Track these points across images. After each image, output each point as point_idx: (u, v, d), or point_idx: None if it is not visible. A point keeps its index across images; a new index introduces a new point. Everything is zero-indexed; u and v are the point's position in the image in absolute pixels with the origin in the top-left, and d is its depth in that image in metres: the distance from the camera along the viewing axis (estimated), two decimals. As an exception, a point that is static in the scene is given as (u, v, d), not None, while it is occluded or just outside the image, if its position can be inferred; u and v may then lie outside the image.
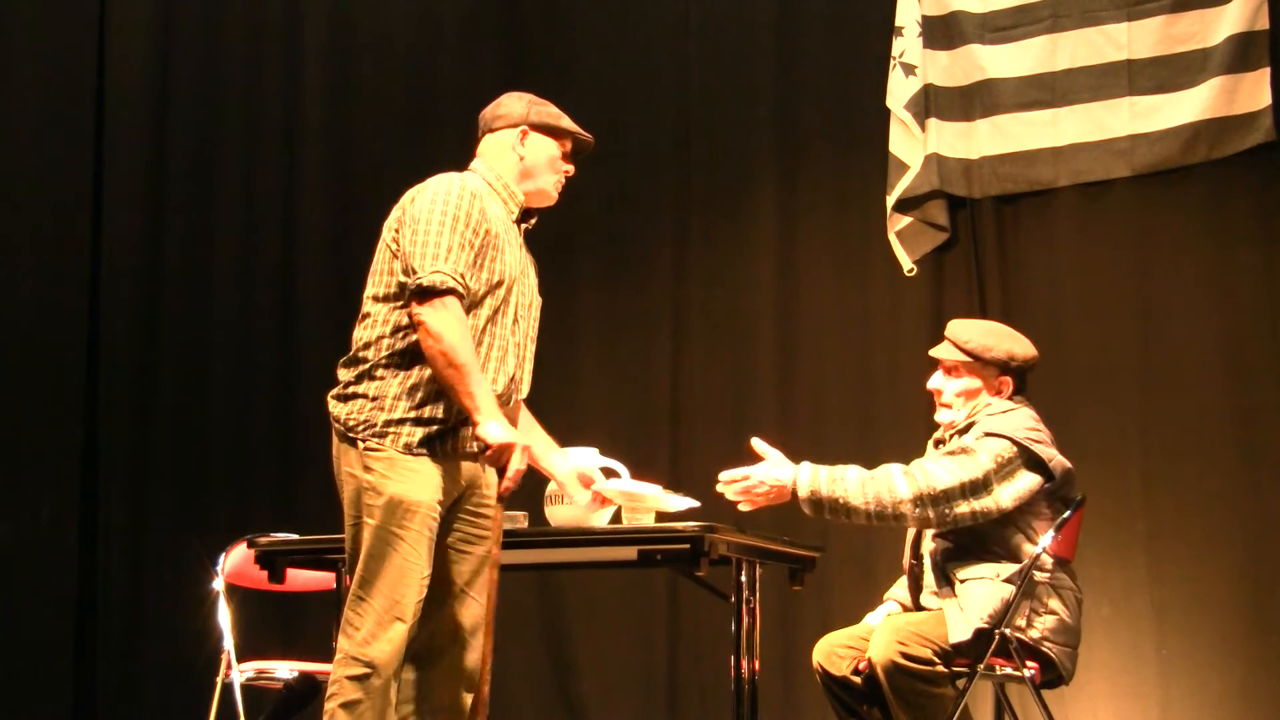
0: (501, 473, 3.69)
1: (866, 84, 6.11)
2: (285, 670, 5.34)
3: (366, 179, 7.01)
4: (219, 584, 5.41)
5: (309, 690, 5.24)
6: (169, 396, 7.18)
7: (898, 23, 6.01)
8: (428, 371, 3.71)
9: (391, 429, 3.71)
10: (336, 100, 7.13)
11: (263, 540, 4.68)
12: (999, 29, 5.88)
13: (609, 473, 4.25)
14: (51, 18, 7.20)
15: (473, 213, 3.75)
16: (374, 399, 3.73)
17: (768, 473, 4.22)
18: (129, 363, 7.20)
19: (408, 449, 3.70)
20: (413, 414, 3.71)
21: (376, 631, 3.64)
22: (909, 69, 5.96)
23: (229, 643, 5.32)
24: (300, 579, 5.36)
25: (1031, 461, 4.22)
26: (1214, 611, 5.43)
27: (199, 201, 7.25)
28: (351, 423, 3.74)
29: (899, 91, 5.98)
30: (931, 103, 5.93)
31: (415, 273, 3.67)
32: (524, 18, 6.89)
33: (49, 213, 7.18)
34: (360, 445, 3.71)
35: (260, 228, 7.18)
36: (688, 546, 4.04)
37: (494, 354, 3.79)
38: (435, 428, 3.72)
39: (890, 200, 5.97)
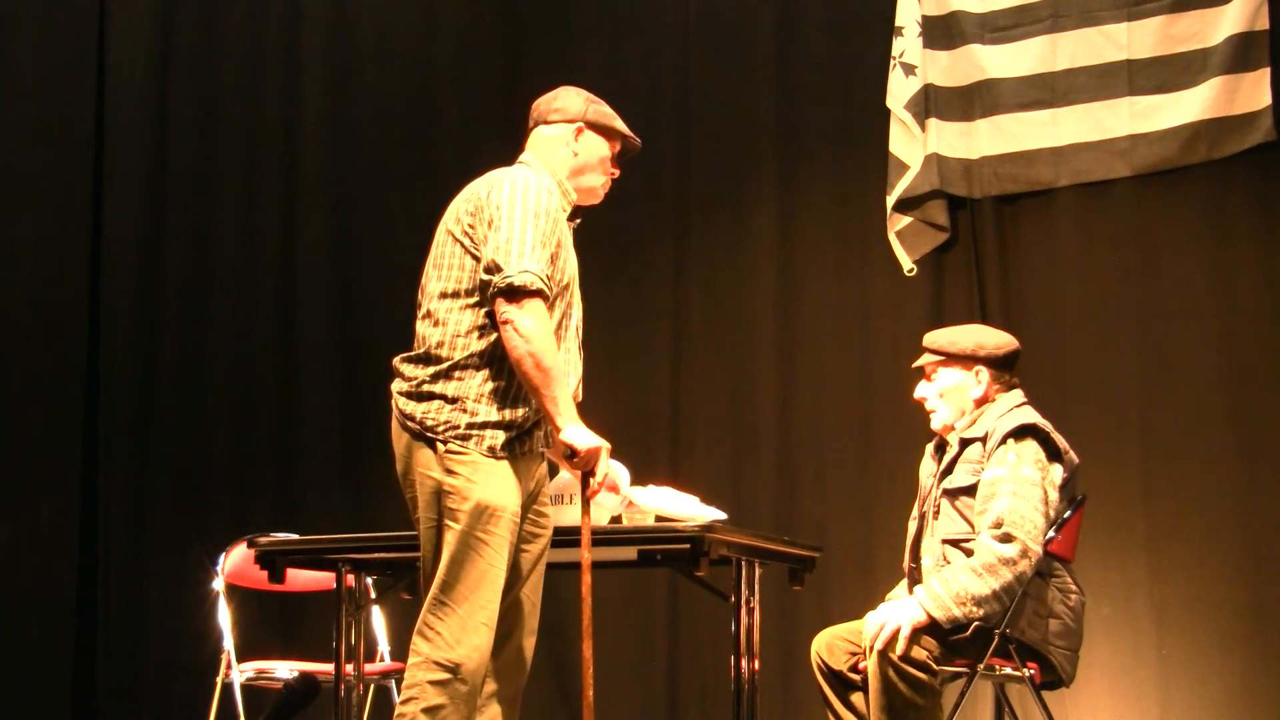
0: (588, 476, 3.69)
1: (866, 84, 6.11)
2: (285, 670, 5.35)
3: (366, 179, 7.02)
4: (219, 584, 5.42)
5: (309, 690, 5.24)
6: (169, 396, 7.18)
7: (898, 23, 6.01)
8: (507, 373, 3.66)
9: (475, 432, 3.65)
10: (336, 100, 7.13)
11: (263, 540, 4.68)
12: (999, 29, 5.88)
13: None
14: (51, 18, 7.20)
15: (550, 209, 3.71)
16: (454, 400, 3.67)
17: (892, 614, 4.15)
18: (129, 363, 7.20)
19: (491, 452, 3.65)
20: (495, 417, 3.66)
21: (461, 636, 3.60)
22: (909, 69, 5.96)
23: (229, 643, 5.33)
24: (300, 579, 5.37)
25: (1053, 452, 4.27)
26: (1214, 611, 5.43)
27: (199, 202, 7.25)
28: (430, 423, 3.66)
29: (899, 91, 5.98)
30: (931, 103, 5.93)
31: (501, 270, 3.60)
32: (524, 18, 6.90)
33: (49, 214, 7.18)
34: (441, 447, 3.65)
35: (260, 228, 7.18)
36: (688, 546, 4.05)
37: (563, 356, 3.75)
38: (515, 431, 3.69)
39: (890, 200, 5.97)
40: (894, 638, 4.09)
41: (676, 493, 4.31)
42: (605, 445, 3.69)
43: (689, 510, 4.26)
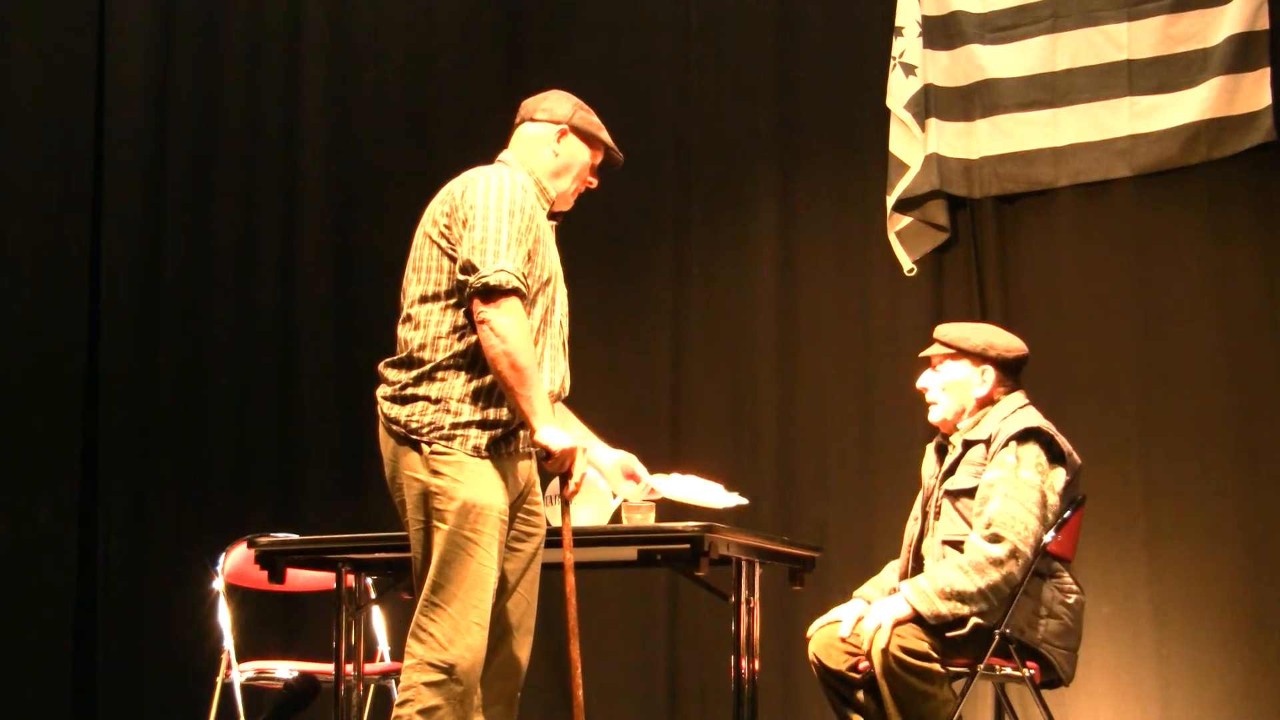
0: (565, 477, 3.69)
1: (866, 84, 6.11)
2: (285, 670, 5.35)
3: (366, 179, 7.02)
4: (219, 584, 5.42)
5: (309, 690, 5.24)
6: (169, 396, 7.18)
7: (898, 23, 6.01)
8: (489, 372, 3.66)
9: (459, 432, 3.65)
10: (336, 100, 7.13)
11: (263, 540, 4.69)
12: (999, 29, 5.88)
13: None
14: (51, 18, 7.20)
15: (526, 207, 3.71)
16: (437, 401, 3.67)
17: (876, 612, 4.17)
18: (129, 362, 7.20)
19: (476, 452, 3.65)
20: (479, 416, 3.66)
21: (454, 637, 3.60)
22: (909, 69, 5.96)
23: (229, 643, 5.33)
24: (300, 579, 5.37)
25: (1055, 455, 4.28)
26: (1214, 611, 5.43)
27: (199, 201, 7.25)
28: (414, 425, 3.67)
29: (899, 91, 5.97)
30: (931, 103, 5.93)
31: (477, 270, 3.61)
32: (524, 18, 6.90)
33: (49, 213, 7.18)
34: (426, 449, 3.65)
35: (260, 228, 7.18)
36: (688, 546, 4.05)
37: (547, 353, 3.77)
38: (500, 430, 3.69)
39: (890, 200, 5.97)
40: (889, 636, 4.10)
41: (699, 480, 4.31)
42: (580, 446, 3.68)
43: (711, 497, 4.27)
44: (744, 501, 4.28)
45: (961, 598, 4.10)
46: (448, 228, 3.71)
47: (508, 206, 3.67)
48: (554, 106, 3.94)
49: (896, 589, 4.28)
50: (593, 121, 3.95)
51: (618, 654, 6.26)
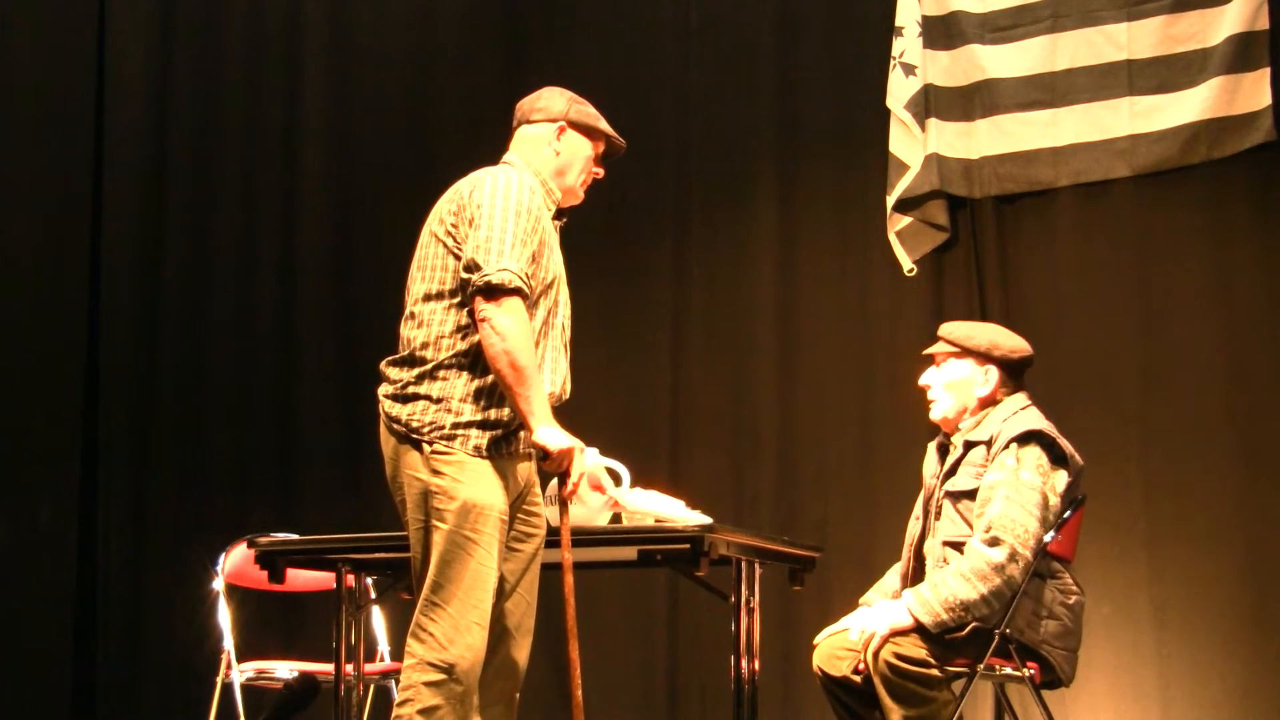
0: (564, 477, 3.69)
1: (866, 84, 6.11)
2: (285, 670, 5.35)
3: (366, 179, 7.03)
4: (219, 584, 5.43)
5: (309, 690, 5.24)
6: (169, 397, 7.18)
7: (898, 23, 6.01)
8: (492, 372, 3.67)
9: (460, 432, 3.66)
10: (336, 100, 7.13)
11: (263, 540, 4.69)
12: (999, 29, 5.88)
13: (612, 474, 4.26)
14: (51, 17, 7.20)
15: (532, 208, 3.72)
16: (438, 400, 3.68)
17: (873, 620, 4.17)
18: (129, 363, 7.20)
19: (477, 452, 3.66)
20: (480, 416, 3.67)
21: (454, 636, 3.60)
22: (909, 69, 5.96)
23: (229, 643, 5.33)
24: (300, 579, 5.37)
25: (1057, 457, 4.27)
26: (1214, 611, 5.43)
27: (199, 201, 7.25)
28: (415, 424, 3.67)
29: (899, 91, 5.98)
30: (931, 103, 5.93)
31: (480, 268, 3.61)
32: (524, 18, 6.90)
33: (49, 213, 7.18)
34: (427, 448, 3.66)
35: (260, 228, 7.18)
36: (688, 546, 4.05)
37: (549, 355, 3.77)
38: (501, 430, 3.69)
39: (890, 200, 5.97)
40: (882, 643, 4.10)
41: (662, 496, 4.30)
42: (578, 446, 3.68)
43: (673, 514, 4.25)
44: (707, 520, 4.25)
45: (965, 606, 4.10)
46: (454, 226, 3.72)
47: (514, 207, 3.68)
48: (549, 104, 3.95)
49: (900, 594, 4.28)
50: (589, 113, 3.96)
51: (618, 654, 6.26)
